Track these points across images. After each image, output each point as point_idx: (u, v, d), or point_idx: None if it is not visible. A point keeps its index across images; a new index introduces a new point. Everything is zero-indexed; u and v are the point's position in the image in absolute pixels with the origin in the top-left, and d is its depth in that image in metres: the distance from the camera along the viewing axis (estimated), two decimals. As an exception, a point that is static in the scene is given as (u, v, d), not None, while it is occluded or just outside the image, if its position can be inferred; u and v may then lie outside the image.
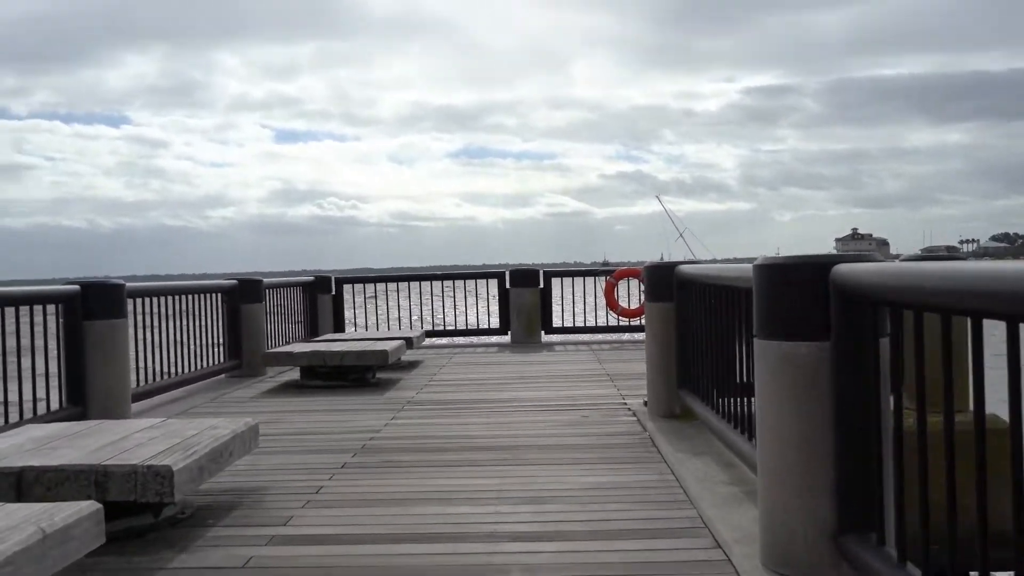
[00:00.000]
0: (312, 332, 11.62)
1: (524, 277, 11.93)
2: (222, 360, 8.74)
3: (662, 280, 5.76)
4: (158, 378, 7.62)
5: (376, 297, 12.41)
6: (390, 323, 12.24)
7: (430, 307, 12.28)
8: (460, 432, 5.66)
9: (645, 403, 6.32)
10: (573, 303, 12.13)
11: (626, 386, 7.53)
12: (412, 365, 9.62)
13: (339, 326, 12.03)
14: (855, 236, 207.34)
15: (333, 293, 12.14)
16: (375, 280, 12.51)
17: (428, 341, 11.94)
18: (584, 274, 12.60)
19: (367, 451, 5.11)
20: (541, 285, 11.96)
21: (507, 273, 12.10)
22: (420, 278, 12.55)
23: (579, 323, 12.28)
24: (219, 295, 8.83)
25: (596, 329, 12.36)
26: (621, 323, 12.07)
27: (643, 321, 12.38)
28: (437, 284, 12.69)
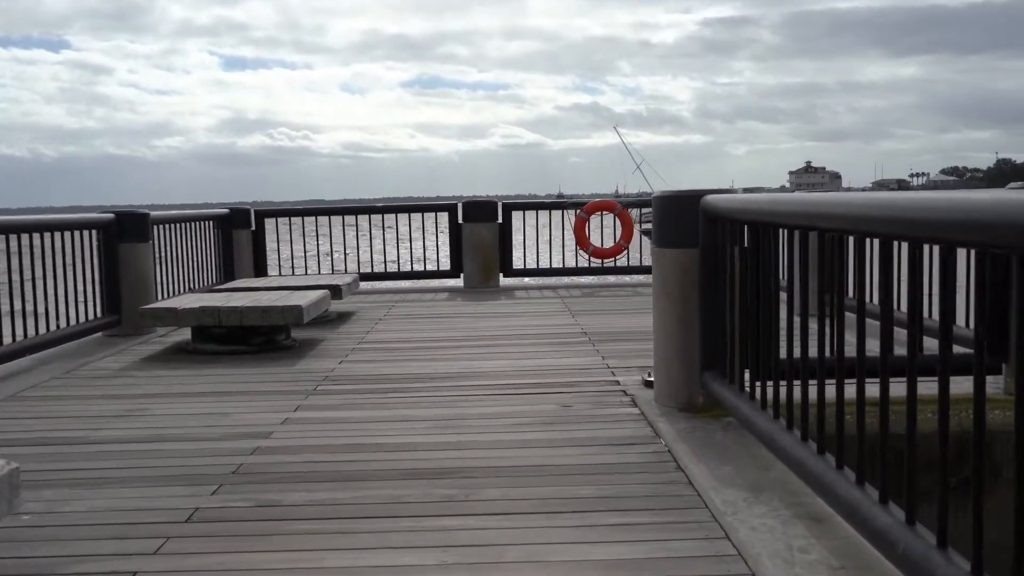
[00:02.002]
0: (227, 277, 9.73)
1: (480, 210, 10.10)
2: (96, 315, 6.86)
3: (680, 216, 4.00)
4: (7, 340, 5.77)
5: (305, 235, 10.48)
6: (321, 265, 10.36)
7: (368, 245, 10.37)
8: (383, 442, 3.89)
9: (646, 382, 4.64)
10: (537, 242, 10.35)
11: (612, 351, 5.82)
12: (342, 318, 7.81)
13: (260, 269, 10.13)
14: (808, 169, 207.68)
15: (253, 229, 10.21)
16: (303, 213, 10.56)
17: (368, 285, 10.11)
18: (549, 207, 10.79)
19: (239, 479, 3.33)
20: (499, 220, 10.14)
21: (459, 206, 10.25)
22: (357, 211, 10.64)
23: (543, 264, 10.52)
24: (92, 233, 6.90)
25: (563, 271, 10.61)
26: (593, 264, 10.33)
27: (618, 261, 10.80)
28: (378, 218, 10.80)
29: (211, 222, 9.62)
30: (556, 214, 10.47)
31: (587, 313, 7.77)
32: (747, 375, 3.52)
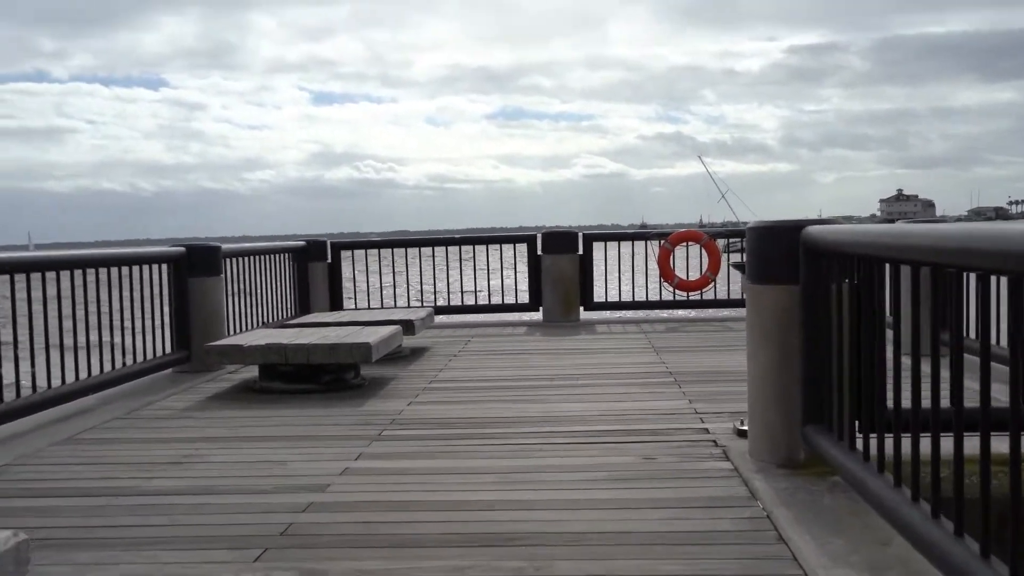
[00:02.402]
0: (303, 310, 9.59)
1: (560, 241, 9.75)
2: (167, 351, 6.71)
3: (778, 249, 3.58)
4: (70, 377, 5.65)
5: (381, 267, 10.27)
6: (397, 298, 10.14)
7: (445, 277, 10.12)
8: (447, 499, 3.54)
9: (738, 431, 4.21)
10: (619, 273, 9.94)
11: (700, 394, 5.38)
12: (416, 354, 7.53)
13: (336, 303, 9.96)
14: (900, 197, 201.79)
15: (329, 261, 10.06)
16: (379, 245, 10.36)
17: (445, 319, 9.85)
18: (632, 238, 10.37)
19: (286, 542, 3.02)
20: (580, 251, 9.77)
21: (539, 236, 9.92)
22: (434, 242, 10.40)
23: (625, 297, 10.10)
24: (162, 266, 6.79)
25: (646, 304, 10.16)
26: (678, 297, 9.87)
27: (704, 295, 10.30)
28: (456, 249, 10.54)
29: (287, 255, 9.50)
30: (639, 245, 10.05)
31: (672, 350, 7.33)
32: (857, 428, 3.08)
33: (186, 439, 4.61)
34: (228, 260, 7.74)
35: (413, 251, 10.18)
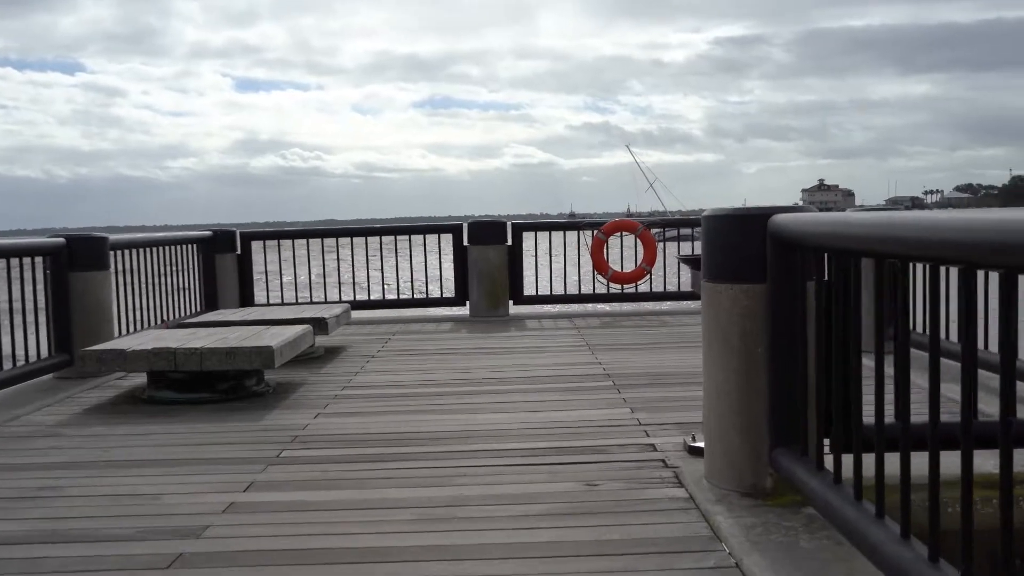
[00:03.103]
0: (209, 305, 8.83)
1: (487, 231, 9.16)
2: (42, 355, 5.93)
3: (740, 240, 3.05)
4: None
5: (295, 259, 9.52)
6: (313, 292, 9.42)
7: (365, 269, 9.44)
8: (349, 546, 2.94)
9: (690, 448, 3.70)
10: (551, 266, 9.40)
11: (642, 400, 4.86)
12: (330, 355, 6.88)
13: (246, 298, 9.20)
14: (822, 187, 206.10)
15: (238, 252, 9.29)
16: (293, 236, 9.61)
17: (365, 314, 9.18)
18: (564, 227, 9.83)
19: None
20: (509, 242, 9.20)
21: (464, 226, 9.31)
22: (352, 232, 9.69)
23: (557, 290, 9.56)
24: (40, 259, 5.99)
25: (579, 298, 9.64)
26: (612, 290, 9.36)
27: (639, 287, 9.83)
28: (377, 241, 9.86)
29: (192, 246, 8.73)
30: (571, 235, 9.52)
31: (608, 348, 6.81)
32: (829, 451, 2.58)
33: (45, 465, 3.91)
34: (120, 252, 6.98)
35: (331, 242, 9.45)
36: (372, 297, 9.53)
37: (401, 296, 9.48)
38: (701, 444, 3.68)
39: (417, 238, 9.52)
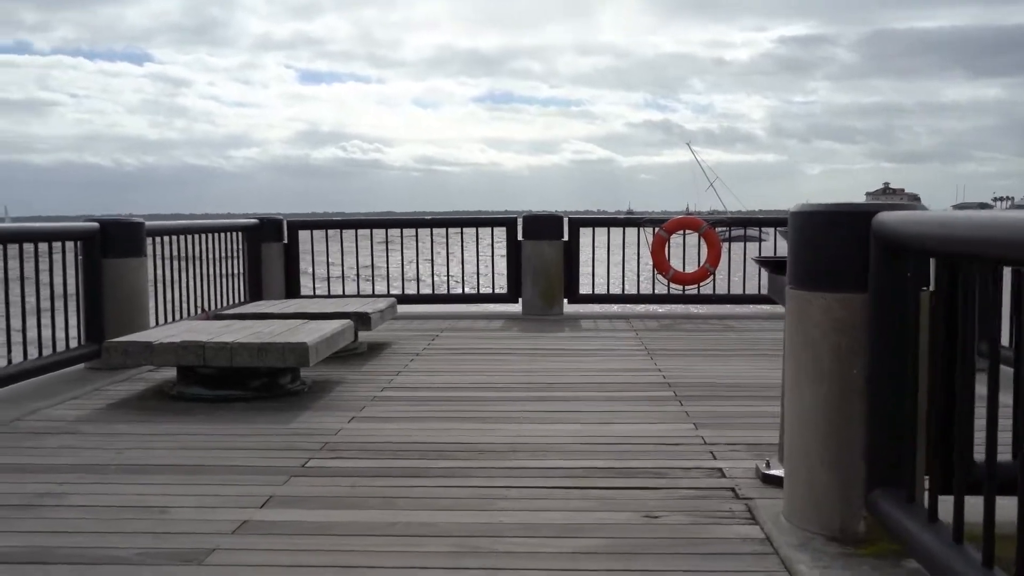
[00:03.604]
0: (254, 296, 8.56)
1: (542, 226, 8.74)
2: (71, 345, 5.67)
3: (838, 242, 2.59)
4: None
5: (343, 250, 9.22)
6: (361, 284, 9.09)
7: (415, 262, 9.07)
8: (372, 570, 2.55)
9: (764, 475, 3.26)
10: (608, 264, 8.94)
11: (705, 414, 4.42)
12: (373, 351, 6.53)
13: (292, 288, 8.92)
14: (886, 191, 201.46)
15: (285, 242, 9.01)
16: (341, 226, 9.31)
17: (413, 308, 8.84)
18: (623, 224, 9.37)
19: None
20: (565, 237, 8.77)
21: (519, 220, 8.90)
22: (403, 223, 9.34)
23: (614, 290, 9.10)
24: (74, 243, 5.74)
25: (637, 298, 9.17)
26: (673, 291, 8.88)
27: (701, 289, 9.33)
28: (428, 233, 9.49)
29: (237, 233, 8.46)
30: (631, 232, 9.05)
31: (668, 354, 6.35)
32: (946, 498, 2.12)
33: (53, 467, 3.59)
34: (159, 239, 6.71)
35: (380, 233, 9.11)
36: (421, 291, 9.16)
37: (451, 291, 9.10)
38: (777, 472, 3.24)
39: (470, 231, 9.14)
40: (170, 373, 5.42)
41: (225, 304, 7.92)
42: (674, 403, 4.72)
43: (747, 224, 9.55)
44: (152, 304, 6.66)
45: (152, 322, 6.60)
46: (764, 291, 9.01)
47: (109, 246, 5.81)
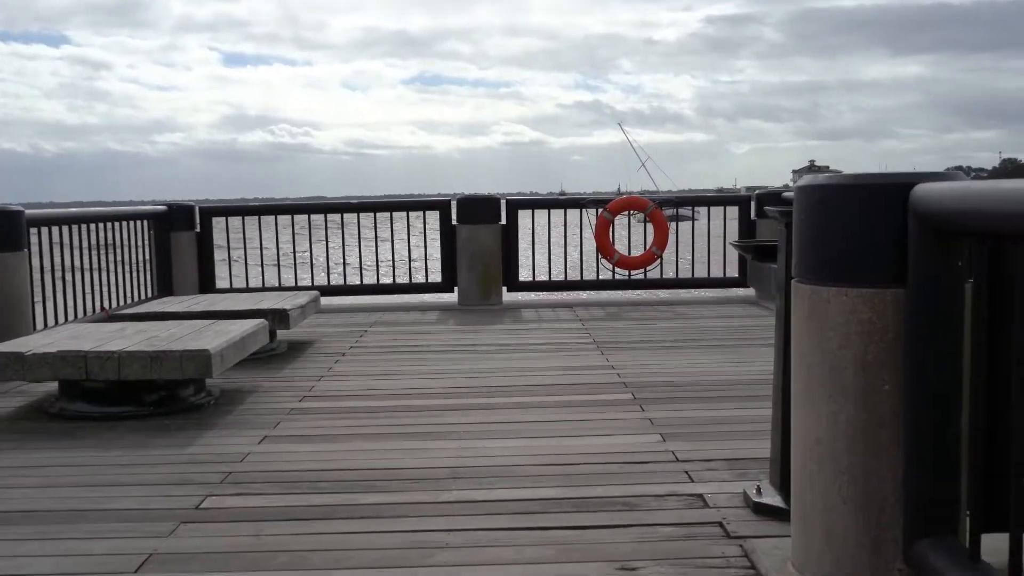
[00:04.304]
0: (163, 290, 7.79)
1: (479, 208, 8.11)
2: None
3: (864, 223, 2.03)
4: None
5: (261, 238, 8.47)
6: (282, 275, 8.36)
7: (341, 249, 8.36)
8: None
9: (754, 503, 2.71)
10: (549, 249, 8.37)
11: (670, 421, 3.87)
12: (294, 351, 5.86)
13: (205, 282, 8.15)
14: (812, 168, 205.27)
15: (198, 230, 8.23)
16: (259, 211, 8.54)
17: (340, 300, 8.16)
18: (564, 205, 8.79)
19: None
20: (503, 221, 8.16)
21: (453, 203, 8.27)
22: (326, 208, 8.62)
23: (556, 276, 8.53)
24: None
25: (580, 285, 8.62)
26: (618, 276, 8.34)
27: (648, 273, 8.81)
28: (356, 218, 8.79)
29: (144, 222, 7.68)
30: (572, 214, 8.48)
31: (619, 347, 5.81)
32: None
33: None
34: (47, 229, 5.94)
35: (302, 219, 8.38)
36: (349, 281, 8.47)
37: (381, 281, 8.42)
38: (773, 501, 2.71)
39: (401, 217, 8.47)
40: (51, 387, 4.68)
41: (129, 301, 7.15)
42: (634, 408, 4.16)
43: (695, 204, 9.05)
44: (41, 305, 5.90)
45: (41, 324, 5.84)
46: (714, 275, 8.61)
47: (-20, 240, 5.03)
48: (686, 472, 3.18)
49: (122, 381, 4.05)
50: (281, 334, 5.89)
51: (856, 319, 2.06)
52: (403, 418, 4.07)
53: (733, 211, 8.33)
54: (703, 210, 10.25)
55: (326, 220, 8.38)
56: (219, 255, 8.32)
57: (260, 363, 5.37)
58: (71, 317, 6.23)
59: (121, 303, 7.03)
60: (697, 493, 2.95)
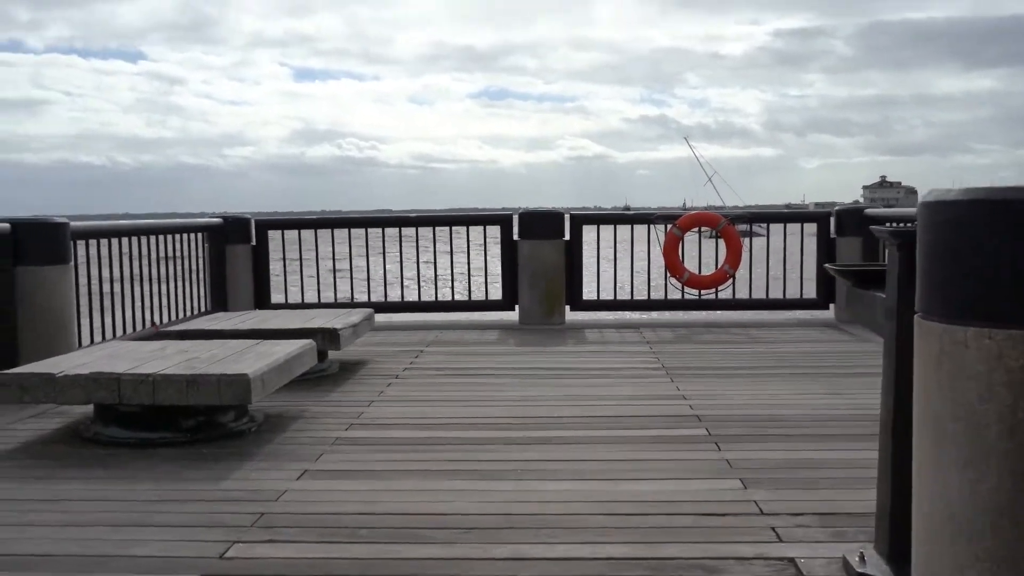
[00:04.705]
0: (217, 305, 7.61)
1: (541, 223, 7.77)
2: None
3: (1014, 252, 1.63)
4: None
5: (318, 252, 8.24)
6: (338, 290, 8.12)
7: (399, 265, 8.08)
8: None
9: (857, 573, 2.29)
10: (615, 266, 7.98)
11: (751, 464, 3.46)
12: (346, 371, 5.58)
13: (261, 295, 7.95)
14: (883, 184, 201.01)
15: (253, 244, 8.04)
16: (316, 225, 8.32)
17: (398, 317, 7.90)
18: (631, 220, 8.39)
19: None
20: (567, 236, 7.80)
21: (514, 217, 7.93)
22: (385, 222, 8.35)
23: (622, 295, 8.14)
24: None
25: (647, 304, 8.21)
26: (688, 296, 7.92)
27: (720, 293, 8.36)
28: (415, 232, 8.51)
29: (199, 235, 7.52)
30: (639, 230, 8.08)
31: (690, 373, 5.40)
32: None
33: None
34: (95, 241, 5.76)
35: (359, 232, 8.14)
36: (406, 298, 8.19)
37: (440, 298, 8.13)
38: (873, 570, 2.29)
39: (459, 230, 8.16)
40: (83, 410, 4.46)
41: (182, 316, 6.98)
42: (708, 445, 3.77)
43: (769, 220, 8.57)
44: (88, 320, 5.73)
45: (88, 340, 5.67)
46: (790, 296, 8.12)
47: (23, 252, 4.85)
48: (772, 529, 2.78)
49: (157, 406, 3.79)
50: (333, 354, 5.61)
51: (1003, 367, 1.66)
52: (455, 452, 3.74)
53: (803, 227, 7.87)
54: (771, 226, 9.74)
55: (383, 234, 8.11)
56: (276, 269, 8.12)
57: (309, 384, 5.10)
58: (120, 332, 6.06)
59: (173, 318, 6.86)
60: (788, 557, 2.55)
